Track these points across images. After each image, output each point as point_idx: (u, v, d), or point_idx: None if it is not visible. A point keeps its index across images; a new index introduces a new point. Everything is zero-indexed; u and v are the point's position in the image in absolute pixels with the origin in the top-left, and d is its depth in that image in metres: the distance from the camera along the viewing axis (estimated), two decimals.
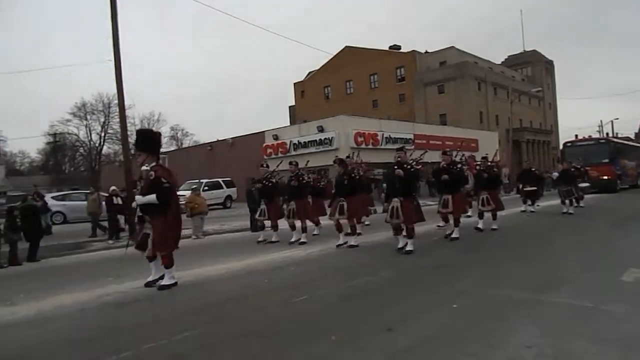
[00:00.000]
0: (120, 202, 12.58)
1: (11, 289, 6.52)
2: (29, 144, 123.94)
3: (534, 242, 9.02)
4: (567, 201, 13.84)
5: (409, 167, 7.92)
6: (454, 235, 9.13)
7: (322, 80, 52.97)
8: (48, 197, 17.80)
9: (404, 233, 7.93)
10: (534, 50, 59.65)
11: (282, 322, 4.39)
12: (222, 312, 4.86)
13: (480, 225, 10.35)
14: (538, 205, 15.49)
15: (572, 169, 15.18)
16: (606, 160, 23.42)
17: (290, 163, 10.17)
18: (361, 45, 50.52)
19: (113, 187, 13.27)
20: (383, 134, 28.41)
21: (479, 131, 38.93)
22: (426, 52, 49.37)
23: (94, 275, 7.36)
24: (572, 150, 24.89)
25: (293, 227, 9.93)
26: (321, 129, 27.45)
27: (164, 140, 55.55)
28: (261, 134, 30.78)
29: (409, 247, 7.71)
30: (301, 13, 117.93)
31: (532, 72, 58.67)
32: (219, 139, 35.41)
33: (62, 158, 60.06)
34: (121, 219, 12.49)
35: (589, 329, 3.78)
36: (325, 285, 5.78)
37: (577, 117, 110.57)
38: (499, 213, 10.74)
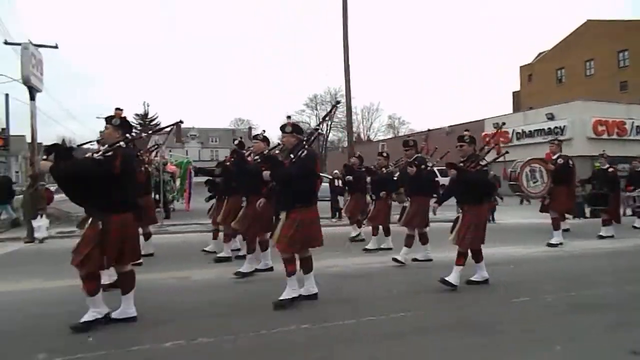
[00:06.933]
0: (340, 184, 13.39)
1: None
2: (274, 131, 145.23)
3: None
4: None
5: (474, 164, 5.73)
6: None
7: (554, 61, 46.80)
8: None
9: None
10: None
11: (503, 320, 4.24)
12: (435, 300, 4.93)
13: (398, 257, 6.60)
14: None
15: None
16: None
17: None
18: (606, 17, 42.97)
19: (335, 171, 14.57)
20: (633, 122, 23.80)
21: None
22: None
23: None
24: None
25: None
26: (551, 117, 24.53)
27: (381, 128, 57.20)
28: (481, 122, 29.24)
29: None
30: None
31: None
32: (434, 127, 35.11)
33: None
34: (341, 200, 13.28)
35: None
36: (550, 290, 5.27)
37: None
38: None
